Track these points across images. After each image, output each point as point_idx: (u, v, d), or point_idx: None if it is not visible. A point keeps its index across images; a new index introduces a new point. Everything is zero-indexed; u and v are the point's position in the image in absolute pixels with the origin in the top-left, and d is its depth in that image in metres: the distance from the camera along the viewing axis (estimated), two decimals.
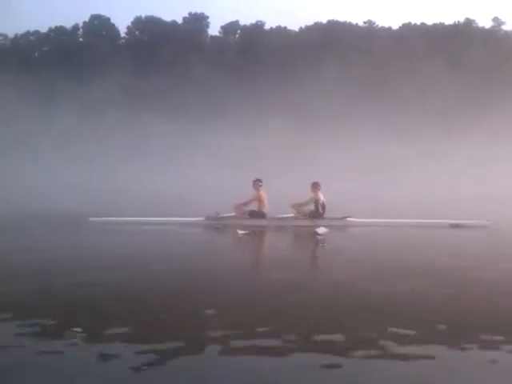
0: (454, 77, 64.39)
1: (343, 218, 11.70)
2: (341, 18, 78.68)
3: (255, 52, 71.47)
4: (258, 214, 11.98)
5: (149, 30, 76.38)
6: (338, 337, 3.60)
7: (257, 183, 12.15)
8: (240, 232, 10.14)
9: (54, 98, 67.36)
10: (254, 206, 12.12)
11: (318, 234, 9.96)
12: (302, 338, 3.60)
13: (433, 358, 3.23)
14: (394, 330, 3.74)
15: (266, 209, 12.06)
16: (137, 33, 78.61)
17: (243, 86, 66.92)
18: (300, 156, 57.07)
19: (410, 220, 11.85)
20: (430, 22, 77.13)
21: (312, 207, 11.94)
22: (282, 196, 13.27)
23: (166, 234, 10.66)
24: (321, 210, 11.86)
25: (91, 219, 11.70)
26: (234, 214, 11.97)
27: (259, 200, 12.02)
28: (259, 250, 9.38)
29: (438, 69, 65.73)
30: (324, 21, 77.32)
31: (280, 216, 11.94)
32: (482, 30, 76.41)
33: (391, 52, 68.45)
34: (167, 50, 71.30)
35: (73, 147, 61.45)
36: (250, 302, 4.74)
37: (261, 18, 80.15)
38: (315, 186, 12.01)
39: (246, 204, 12.02)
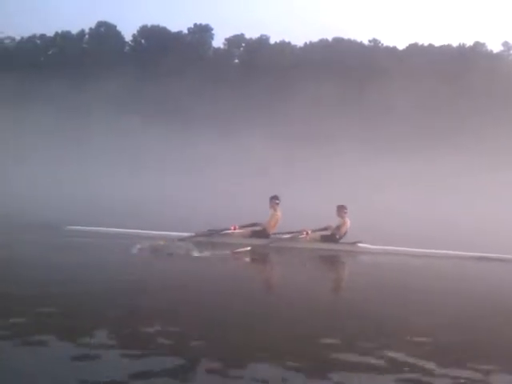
0: (454, 99, 63.55)
1: (354, 243, 10.43)
2: (347, 36, 76.67)
3: (257, 65, 71.33)
4: (262, 234, 10.39)
5: (154, 39, 76.58)
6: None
7: (274, 201, 10.55)
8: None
9: (55, 102, 67.51)
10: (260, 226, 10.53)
11: (237, 251, 9.09)
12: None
13: None
14: None
15: (274, 229, 10.51)
16: (142, 41, 78.88)
17: (241, 98, 66.79)
18: (294, 171, 56.71)
19: (431, 250, 10.54)
20: (437, 44, 76.37)
21: (329, 231, 10.56)
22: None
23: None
24: (338, 236, 10.51)
25: (68, 227, 10.83)
26: (230, 230, 10.33)
27: (275, 221, 10.46)
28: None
29: (439, 91, 64.91)
30: (330, 38, 77.06)
31: (285, 236, 10.39)
32: (490, 54, 75.40)
33: (393, 72, 67.69)
34: (169, 59, 71.43)
35: (66, 153, 61.45)
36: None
37: (267, 32, 79.02)
38: (341, 210, 10.63)
39: (257, 226, 10.49)
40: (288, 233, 10.47)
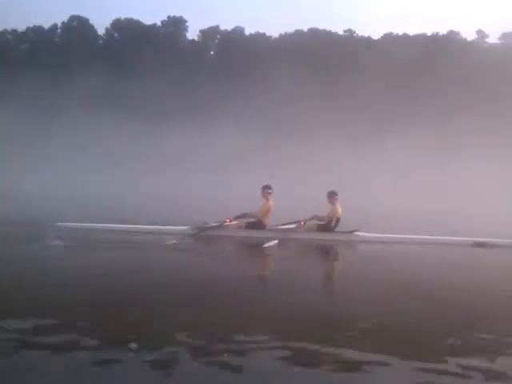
0: (429, 88, 63.88)
1: (351, 232, 10.19)
2: (322, 26, 76.47)
3: (233, 57, 70.97)
4: (257, 226, 10.21)
5: (127, 32, 75.74)
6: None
7: (266, 190, 10.34)
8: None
9: (26, 97, 66.50)
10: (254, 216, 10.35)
11: (265, 247, 8.66)
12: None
13: None
14: None
15: (269, 220, 10.28)
16: (115, 35, 77.96)
17: (216, 90, 66.50)
18: (266, 160, 56.75)
19: (428, 236, 10.32)
20: (411, 33, 76.52)
21: (324, 221, 10.29)
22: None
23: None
24: (333, 224, 10.22)
25: (59, 224, 10.44)
26: (225, 223, 10.10)
27: (266, 210, 10.25)
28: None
29: (413, 79, 65.16)
30: (305, 28, 76.94)
31: (281, 227, 10.11)
32: (464, 42, 75.69)
33: (369, 61, 67.72)
34: (144, 53, 70.78)
35: (40, 149, 60.65)
36: None
37: (242, 23, 78.70)
38: (332, 196, 10.30)
39: (250, 216, 10.27)
40: (286, 224, 10.25)
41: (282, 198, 10.94)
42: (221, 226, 10.12)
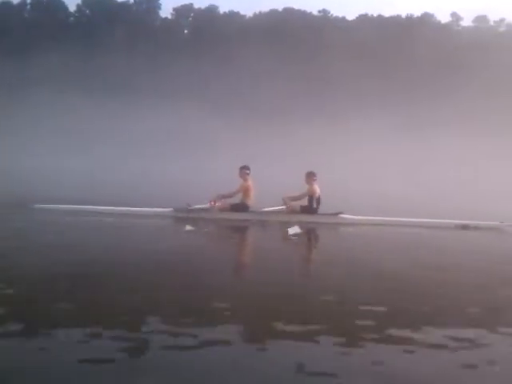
0: (402, 69, 64.14)
1: (336, 215, 9.98)
2: (297, 6, 76.18)
3: (206, 36, 70.22)
4: (241, 207, 10.07)
5: (99, 9, 74.29)
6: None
7: (244, 171, 10.16)
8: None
9: None
10: (237, 198, 10.09)
11: (290, 235, 8.05)
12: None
13: None
14: None
15: (252, 201, 10.09)
16: (87, 12, 76.45)
17: (190, 70, 65.85)
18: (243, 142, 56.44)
19: (414, 219, 10.17)
20: (386, 14, 76.63)
21: (305, 201, 10.03)
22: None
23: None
24: (315, 205, 10.01)
25: (36, 206, 9.93)
26: (208, 205, 9.88)
27: (246, 191, 10.09)
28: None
29: (388, 61, 65.33)
30: (280, 8, 76.43)
31: (266, 209, 9.99)
32: (438, 25, 76.14)
33: (342, 42, 67.63)
34: (116, 30, 69.65)
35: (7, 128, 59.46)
36: None
37: (217, 2, 77.84)
38: (310, 177, 10.08)
39: (227, 197, 10.07)
40: (276, 207, 10.07)
41: (256, 180, 10.69)
42: (205, 209, 9.94)
